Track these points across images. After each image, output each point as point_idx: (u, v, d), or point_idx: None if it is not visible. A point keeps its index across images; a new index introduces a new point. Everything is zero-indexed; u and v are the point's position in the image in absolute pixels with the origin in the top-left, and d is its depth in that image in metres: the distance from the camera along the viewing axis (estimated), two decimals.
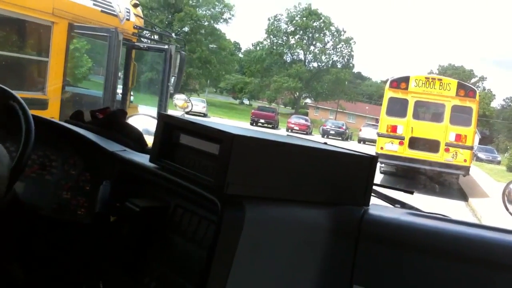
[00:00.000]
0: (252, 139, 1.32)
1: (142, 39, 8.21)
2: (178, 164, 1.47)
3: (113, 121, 2.02)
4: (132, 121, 2.27)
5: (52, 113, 6.04)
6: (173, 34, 9.13)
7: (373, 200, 1.62)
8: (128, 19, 7.46)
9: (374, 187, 1.67)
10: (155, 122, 1.59)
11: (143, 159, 1.66)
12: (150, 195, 1.60)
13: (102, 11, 6.96)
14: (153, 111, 7.19)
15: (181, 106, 7.41)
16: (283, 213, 1.37)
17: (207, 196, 1.31)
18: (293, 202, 1.40)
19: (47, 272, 1.88)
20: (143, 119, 2.43)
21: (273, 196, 1.36)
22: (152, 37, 8.98)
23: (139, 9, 8.05)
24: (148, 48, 8.05)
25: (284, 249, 1.36)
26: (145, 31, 8.47)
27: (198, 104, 40.27)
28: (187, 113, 7.44)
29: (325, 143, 1.71)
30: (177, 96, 7.51)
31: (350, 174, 1.51)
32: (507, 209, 2.01)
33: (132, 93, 9.42)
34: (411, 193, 1.99)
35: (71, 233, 1.82)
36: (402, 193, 2.00)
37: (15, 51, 6.71)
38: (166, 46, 7.50)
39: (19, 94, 5.76)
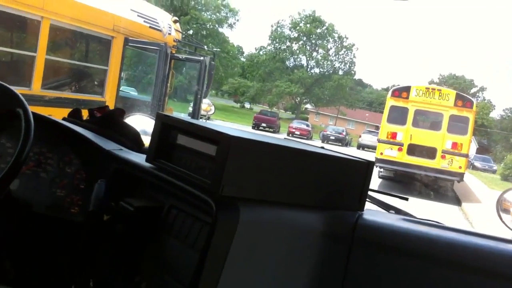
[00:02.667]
0: (249, 141, 1.32)
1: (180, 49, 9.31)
2: (174, 165, 1.47)
3: (110, 120, 2.00)
4: (129, 121, 2.25)
5: None
6: (205, 47, 10.14)
7: (368, 205, 1.62)
8: (169, 34, 8.57)
9: (369, 193, 1.67)
10: (152, 122, 1.60)
11: (139, 158, 1.66)
12: (145, 195, 1.59)
13: (150, 27, 8.17)
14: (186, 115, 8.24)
15: (204, 109, 8.35)
16: (278, 216, 1.37)
17: (202, 197, 1.30)
18: (288, 205, 1.40)
19: (39, 269, 1.86)
20: (141, 119, 2.39)
21: (268, 198, 1.36)
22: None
23: (177, 24, 9.10)
24: (186, 59, 9.10)
25: (277, 252, 1.36)
26: (182, 43, 9.45)
27: (203, 106, 40.90)
28: (192, 116, 8.52)
29: (322, 148, 1.69)
30: (204, 100, 8.46)
31: (346, 179, 1.51)
32: (501, 218, 1.95)
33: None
34: (406, 199, 2.02)
35: (64, 231, 1.79)
36: (397, 199, 2.04)
37: (80, 60, 7.87)
38: (201, 58, 8.58)
39: (82, 97, 6.87)
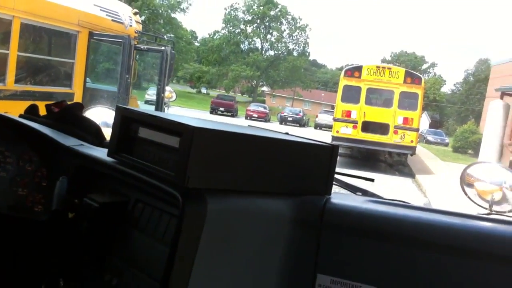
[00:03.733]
0: (212, 131, 1.31)
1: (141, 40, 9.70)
2: (137, 158, 1.44)
3: (69, 115, 1.96)
4: (89, 114, 2.20)
5: None
6: (165, 36, 10.54)
7: (335, 188, 1.62)
8: (131, 26, 8.97)
9: (336, 176, 1.67)
10: (113, 114, 1.56)
11: (100, 153, 1.62)
12: (110, 190, 1.55)
13: (112, 20, 8.58)
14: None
15: (166, 96, 8.78)
16: (246, 204, 1.37)
17: (168, 190, 1.29)
18: (255, 194, 1.39)
19: (5, 270, 1.81)
20: (101, 111, 2.32)
21: (235, 188, 1.36)
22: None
23: (138, 16, 9.46)
24: (148, 49, 9.51)
25: (247, 241, 1.36)
26: (143, 34, 9.82)
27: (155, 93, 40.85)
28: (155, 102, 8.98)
29: (287, 133, 1.68)
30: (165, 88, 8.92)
31: (312, 164, 1.52)
32: (465, 192, 1.99)
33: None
34: (372, 180, 2.01)
35: (28, 231, 1.76)
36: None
37: (49, 55, 8.30)
38: (163, 48, 8.99)
39: (53, 89, 7.31)
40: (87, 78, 8.67)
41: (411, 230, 1.37)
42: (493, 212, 1.83)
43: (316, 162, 1.53)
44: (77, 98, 8.08)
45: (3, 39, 6.95)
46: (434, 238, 1.34)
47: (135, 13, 9.67)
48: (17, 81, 7.11)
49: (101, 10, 8.64)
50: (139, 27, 9.87)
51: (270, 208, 1.41)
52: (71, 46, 8.15)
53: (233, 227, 1.32)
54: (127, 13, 9.36)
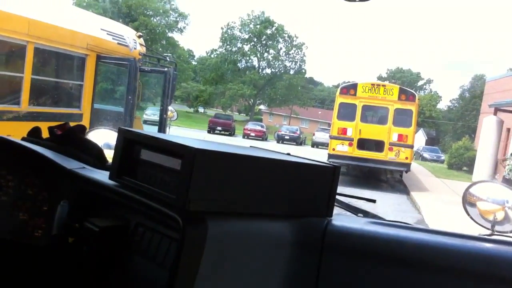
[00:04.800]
0: (214, 153, 1.30)
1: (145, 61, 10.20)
2: (139, 181, 1.44)
3: (71, 137, 1.95)
4: (92, 136, 2.21)
5: (84, 123, 7.86)
6: (167, 58, 10.99)
7: (336, 210, 1.62)
8: (135, 48, 9.44)
9: (337, 197, 1.65)
10: (115, 135, 1.56)
11: (102, 176, 1.62)
12: (110, 214, 1.54)
13: (118, 43, 9.02)
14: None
15: (168, 116, 9.20)
16: (247, 227, 1.36)
17: (169, 213, 1.28)
18: (256, 216, 1.39)
19: None
20: (103, 133, 2.33)
21: (237, 210, 1.35)
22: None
23: (141, 39, 9.91)
24: (152, 70, 9.94)
25: (248, 263, 1.34)
26: (147, 56, 10.25)
27: (156, 113, 41.17)
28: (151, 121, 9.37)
29: (288, 154, 1.69)
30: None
31: (313, 185, 1.51)
32: (467, 212, 1.96)
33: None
34: (374, 201, 2.01)
35: (29, 256, 1.72)
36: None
37: (60, 77, 8.78)
38: (166, 69, 9.39)
39: (63, 110, 7.84)
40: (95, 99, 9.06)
41: (413, 252, 1.38)
42: (495, 233, 1.81)
43: (318, 183, 1.52)
44: (86, 119, 8.52)
45: (18, 63, 7.34)
46: (436, 259, 1.34)
47: (139, 36, 10.15)
48: (31, 103, 7.51)
49: (107, 34, 9.11)
50: (143, 50, 10.35)
51: (271, 230, 1.41)
52: (80, 69, 8.60)
53: (234, 250, 1.31)
54: (131, 36, 9.82)
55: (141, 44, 10.12)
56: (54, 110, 8.27)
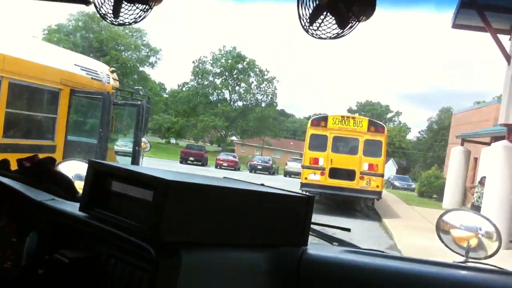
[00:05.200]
0: (187, 184, 1.30)
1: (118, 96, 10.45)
2: (110, 212, 1.42)
3: (41, 169, 1.92)
4: (62, 167, 2.19)
5: (58, 155, 8.11)
6: (140, 92, 11.20)
7: (311, 239, 1.61)
8: (108, 82, 9.63)
9: (312, 226, 1.65)
10: (86, 166, 1.56)
11: (72, 207, 1.59)
12: (81, 245, 1.50)
13: (91, 78, 9.23)
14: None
15: (142, 147, 9.35)
16: (221, 258, 1.35)
17: (141, 244, 1.26)
18: (231, 246, 1.37)
19: None
20: (74, 164, 2.30)
21: (211, 241, 1.34)
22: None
23: (115, 74, 10.14)
24: (125, 104, 10.13)
25: None
26: (120, 90, 10.46)
27: (127, 144, 41.24)
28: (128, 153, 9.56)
29: (262, 184, 1.69)
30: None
31: (288, 215, 1.50)
32: (441, 239, 1.98)
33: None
34: (348, 230, 2.04)
35: None
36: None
37: (34, 111, 8.90)
38: (139, 102, 9.58)
39: (37, 142, 8.01)
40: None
41: (388, 280, 1.38)
42: (469, 259, 1.83)
43: (292, 213, 1.51)
44: (59, 150, 8.63)
45: None
46: (412, 287, 1.36)
47: (112, 71, 10.43)
48: (4, 135, 7.62)
49: (81, 69, 9.33)
50: (116, 84, 10.61)
51: (246, 260, 1.40)
52: (54, 102, 8.78)
53: (208, 281, 1.30)
54: (104, 71, 10.07)
55: (114, 79, 10.37)
56: (29, 142, 8.41)
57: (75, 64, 9.30)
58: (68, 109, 8.90)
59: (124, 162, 10.72)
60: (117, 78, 10.60)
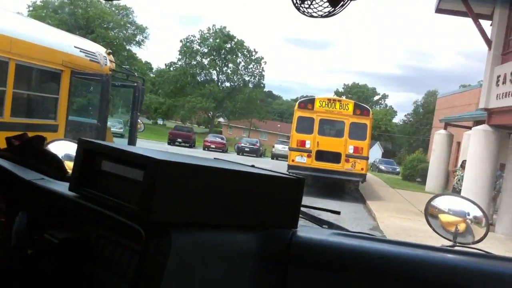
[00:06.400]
0: (177, 164, 1.29)
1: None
2: (100, 192, 1.41)
3: (30, 148, 1.89)
4: (52, 147, 2.14)
5: (59, 134, 8.72)
6: (135, 73, 11.54)
7: (301, 221, 1.61)
8: (106, 64, 9.93)
9: (302, 209, 1.65)
10: (76, 146, 1.54)
11: (62, 187, 1.57)
12: (71, 226, 1.49)
13: (90, 60, 9.55)
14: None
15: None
16: (211, 239, 1.35)
17: (131, 224, 1.26)
18: (221, 227, 1.37)
19: None
20: (64, 144, 2.26)
21: (201, 221, 1.34)
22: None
23: (111, 56, 10.48)
24: (122, 85, 10.48)
25: (212, 276, 1.33)
26: (116, 72, 10.80)
27: (115, 124, 41.28)
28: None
29: (253, 166, 1.68)
30: None
31: (278, 197, 1.51)
32: (429, 224, 1.97)
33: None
34: (338, 213, 2.06)
35: None
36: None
37: (38, 91, 9.35)
38: (135, 84, 9.91)
39: (41, 121, 8.62)
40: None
41: (377, 262, 1.39)
42: (457, 244, 1.82)
43: (282, 195, 1.52)
44: (61, 129, 9.05)
45: (1, 79, 7.86)
46: (400, 270, 1.37)
47: (109, 53, 10.79)
48: (12, 114, 8.01)
49: (80, 51, 9.69)
50: (113, 66, 10.99)
51: (235, 242, 1.40)
52: (56, 84, 9.17)
53: (197, 262, 1.30)
54: (102, 53, 10.43)
55: (111, 61, 10.75)
56: (33, 121, 8.79)
57: (75, 46, 9.63)
58: (69, 90, 9.26)
59: (116, 142, 11.18)
60: (113, 60, 10.97)
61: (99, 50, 10.49)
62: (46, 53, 8.67)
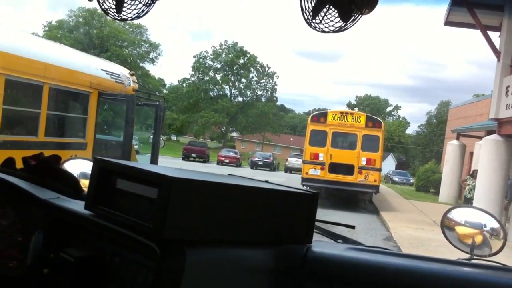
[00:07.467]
0: (191, 181, 1.29)
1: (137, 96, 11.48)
2: (115, 210, 1.41)
3: (46, 168, 1.92)
4: (68, 166, 2.19)
5: (88, 152, 9.37)
6: (157, 93, 12.09)
7: (316, 236, 1.60)
8: (129, 85, 10.59)
9: (316, 223, 1.64)
10: (91, 165, 1.56)
11: (78, 206, 1.58)
12: (86, 244, 1.51)
13: (115, 81, 10.08)
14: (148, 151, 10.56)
15: None
16: (225, 255, 1.34)
17: (145, 242, 1.26)
18: (235, 244, 1.37)
19: None
20: (79, 162, 2.29)
21: (215, 238, 1.33)
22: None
23: (134, 77, 11.33)
24: (145, 104, 11.09)
25: None
26: (139, 92, 11.41)
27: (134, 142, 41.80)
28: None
29: (267, 181, 1.69)
30: None
31: (292, 212, 1.50)
32: (446, 236, 1.94)
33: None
34: (353, 227, 2.03)
35: (3, 287, 1.68)
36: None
37: (68, 112, 10.03)
38: (157, 103, 10.44)
39: (71, 140, 9.37)
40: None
41: (392, 277, 1.38)
42: (474, 257, 1.79)
43: (297, 210, 1.51)
44: (89, 147, 9.62)
45: (36, 101, 8.48)
46: (415, 285, 1.35)
47: (132, 74, 11.37)
48: (46, 134, 8.59)
49: (106, 73, 10.30)
50: (136, 86, 11.58)
51: (250, 258, 1.39)
52: (85, 104, 9.78)
53: (212, 278, 1.30)
54: (125, 74, 11.05)
55: (134, 81, 11.34)
56: (63, 140, 9.37)
57: (101, 69, 10.23)
58: (97, 110, 9.83)
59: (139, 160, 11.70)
60: (136, 81, 11.52)
61: (123, 71, 11.07)
62: (76, 77, 9.28)
